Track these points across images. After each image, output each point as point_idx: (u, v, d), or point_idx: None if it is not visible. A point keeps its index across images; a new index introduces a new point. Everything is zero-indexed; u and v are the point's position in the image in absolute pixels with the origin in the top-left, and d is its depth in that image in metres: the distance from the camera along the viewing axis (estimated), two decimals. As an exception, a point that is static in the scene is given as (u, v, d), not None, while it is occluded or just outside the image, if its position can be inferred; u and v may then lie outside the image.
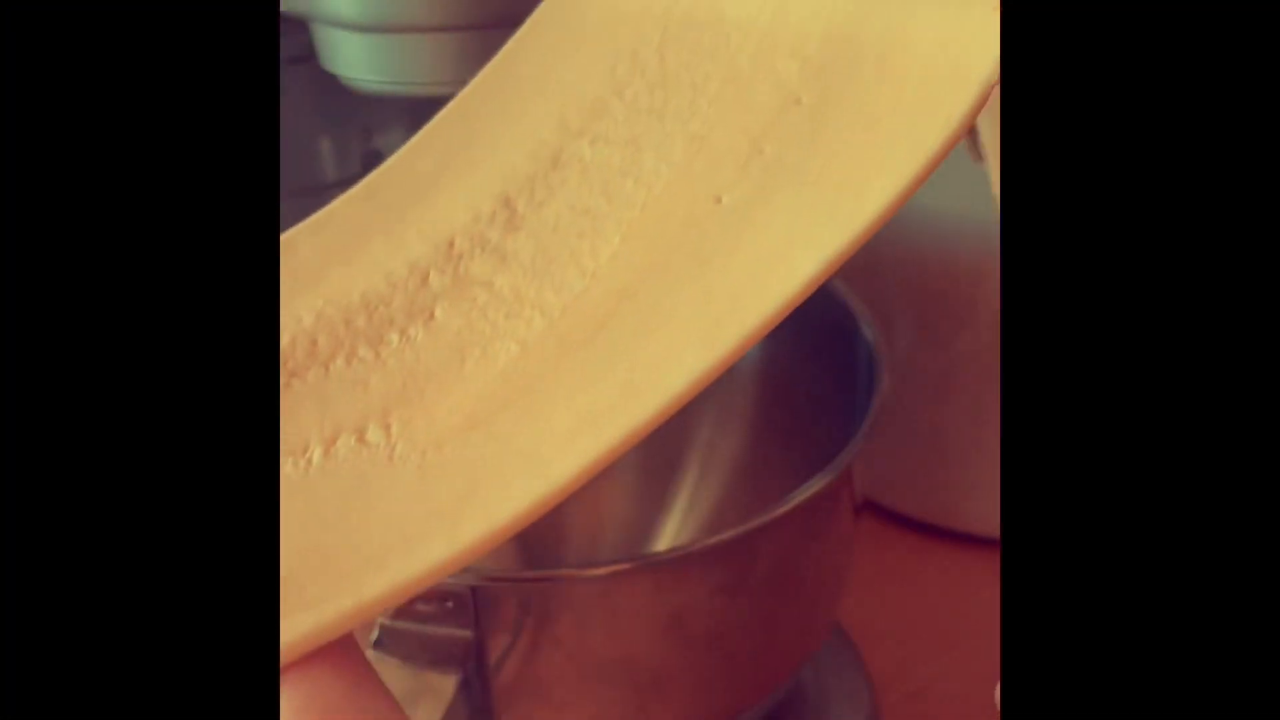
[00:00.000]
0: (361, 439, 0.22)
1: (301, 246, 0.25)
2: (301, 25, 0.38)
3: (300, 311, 0.24)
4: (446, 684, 0.32)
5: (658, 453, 0.50)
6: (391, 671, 0.32)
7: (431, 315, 0.23)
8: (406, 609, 0.33)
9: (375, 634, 0.33)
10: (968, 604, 0.52)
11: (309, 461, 0.22)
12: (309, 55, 0.42)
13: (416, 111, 0.54)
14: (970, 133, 0.27)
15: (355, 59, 0.36)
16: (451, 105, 0.27)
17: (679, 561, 0.34)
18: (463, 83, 0.35)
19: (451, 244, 0.24)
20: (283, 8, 0.37)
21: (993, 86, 0.19)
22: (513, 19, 0.34)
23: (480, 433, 0.21)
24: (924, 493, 0.56)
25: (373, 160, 0.54)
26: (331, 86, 0.40)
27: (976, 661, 0.40)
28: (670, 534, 0.50)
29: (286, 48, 0.48)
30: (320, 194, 0.53)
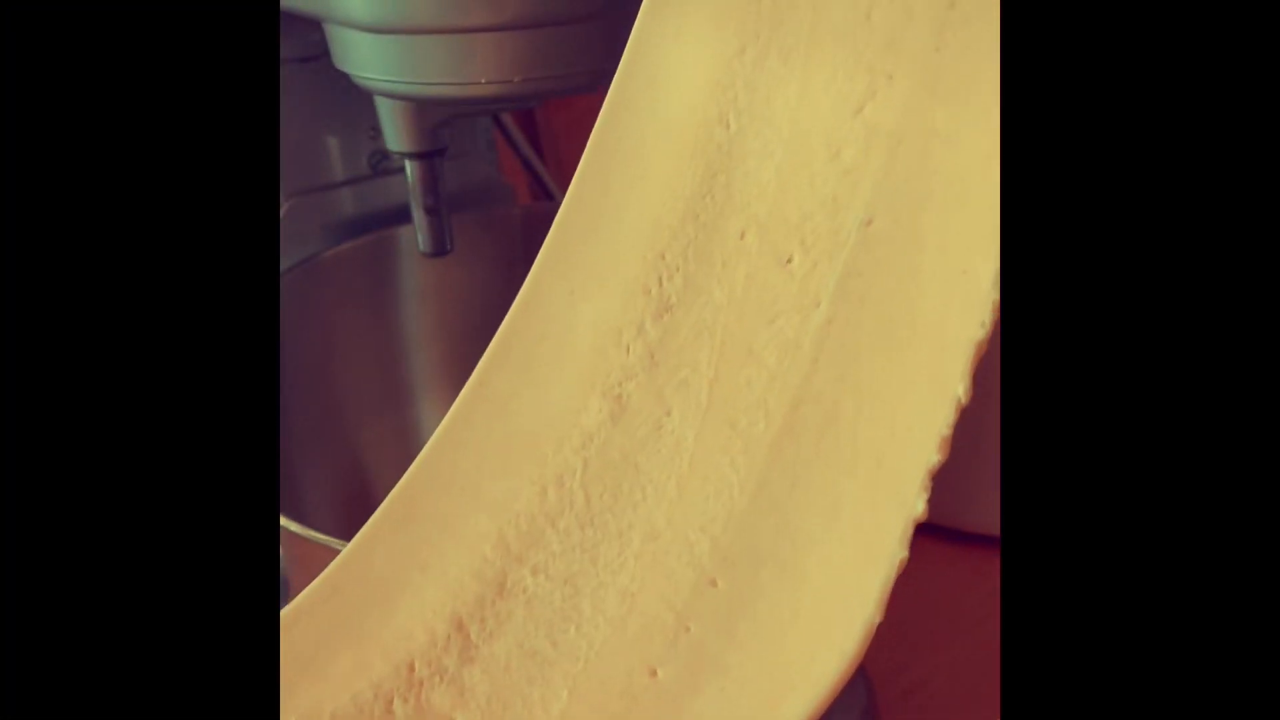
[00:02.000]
0: None
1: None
2: (313, 24, 0.39)
3: None
4: None
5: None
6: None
7: None
8: None
9: None
10: (966, 601, 0.52)
11: None
12: (320, 54, 0.42)
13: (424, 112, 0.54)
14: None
15: (367, 59, 0.37)
16: (395, 494, 0.28)
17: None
18: (473, 84, 0.36)
19: (412, 668, 0.25)
20: (295, 6, 0.38)
21: (876, 625, 0.21)
22: (523, 21, 0.34)
23: None
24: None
25: (379, 160, 0.54)
26: (341, 86, 0.41)
27: (975, 659, 0.40)
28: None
29: (298, 47, 0.48)
30: (328, 192, 0.53)
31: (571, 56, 0.35)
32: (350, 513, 0.52)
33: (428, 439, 0.56)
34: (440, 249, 0.46)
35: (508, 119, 0.62)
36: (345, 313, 0.52)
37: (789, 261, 0.23)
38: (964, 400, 0.20)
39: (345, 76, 0.39)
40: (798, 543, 0.22)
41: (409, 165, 0.43)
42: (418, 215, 0.45)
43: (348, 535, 0.33)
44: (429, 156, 0.43)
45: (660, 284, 0.25)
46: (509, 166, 0.67)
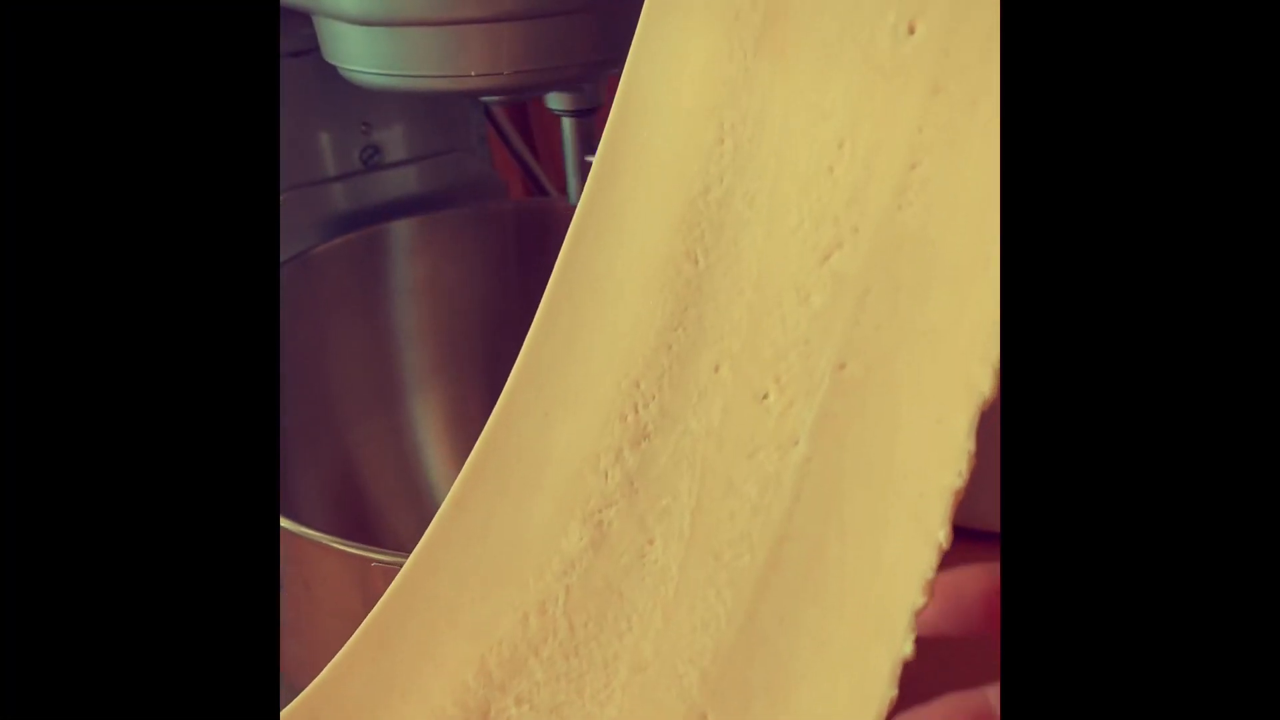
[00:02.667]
0: None
1: None
2: (304, 18, 0.38)
3: None
4: None
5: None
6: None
7: None
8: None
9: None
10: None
11: None
12: (310, 49, 0.42)
13: (415, 106, 0.54)
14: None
15: (357, 52, 0.36)
16: (372, 617, 0.27)
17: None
18: (463, 77, 0.35)
19: None
20: (286, 1, 0.38)
21: None
22: (512, 14, 0.34)
23: None
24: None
25: (371, 156, 0.54)
26: (332, 81, 0.40)
27: (973, 657, 0.40)
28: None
29: (289, 41, 0.48)
30: (320, 187, 0.53)
31: (561, 50, 0.35)
32: (341, 510, 0.52)
33: (419, 436, 0.56)
34: None
35: (500, 114, 0.62)
36: (337, 309, 0.52)
37: (765, 398, 0.23)
38: (945, 545, 0.20)
39: (336, 71, 0.39)
40: (789, 677, 0.22)
41: (566, 122, 0.42)
42: (574, 171, 0.44)
43: (339, 533, 0.33)
44: (587, 114, 0.42)
45: (636, 411, 0.24)
46: (502, 162, 0.66)
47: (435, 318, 0.55)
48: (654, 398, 0.24)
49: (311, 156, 0.53)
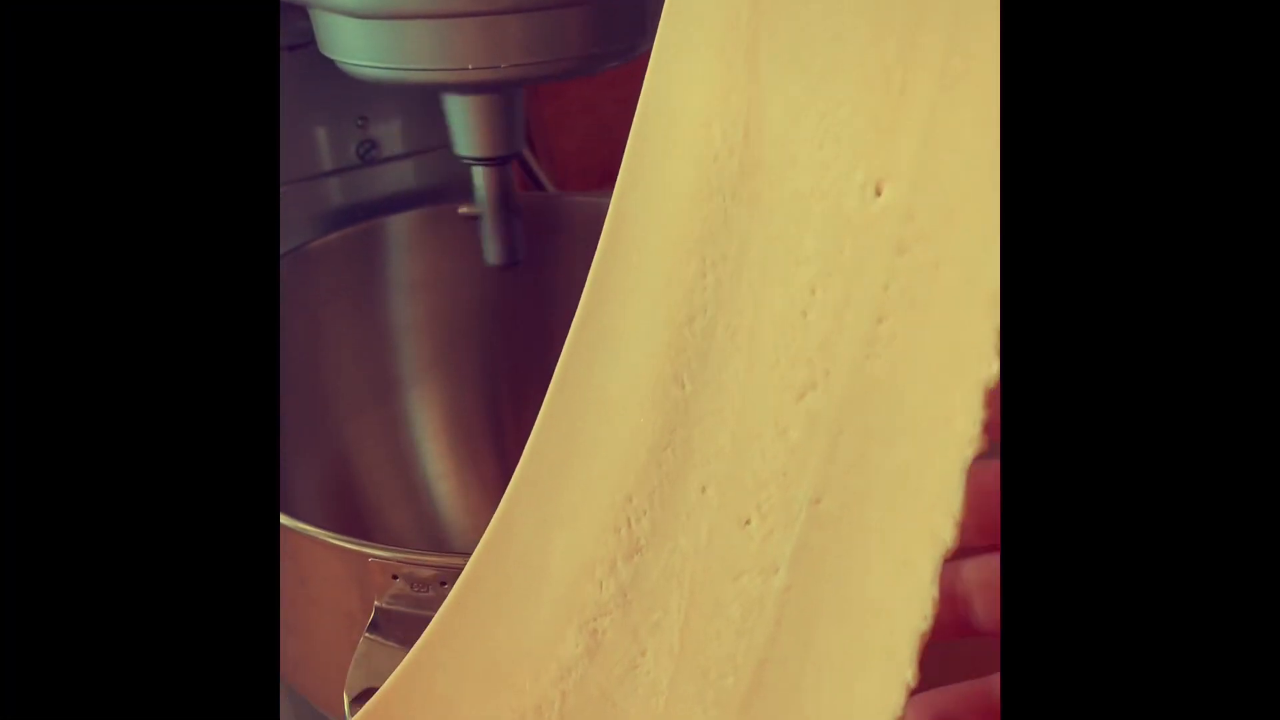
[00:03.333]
0: None
1: None
2: (300, 11, 0.38)
3: None
4: (442, 666, 0.32)
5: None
6: (388, 653, 0.32)
7: None
8: (403, 593, 0.33)
9: (372, 616, 0.33)
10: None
11: None
12: (306, 42, 0.42)
13: (412, 101, 0.54)
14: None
15: (354, 45, 0.36)
16: (366, 712, 0.28)
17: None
18: (460, 70, 0.35)
19: None
20: (281, -6, 0.37)
21: None
22: (509, 7, 0.34)
23: None
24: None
25: (368, 150, 0.54)
26: (328, 75, 0.40)
27: (972, 655, 0.40)
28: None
29: (285, 35, 0.48)
30: (316, 182, 0.53)
31: (558, 42, 0.35)
32: (337, 505, 0.52)
33: (416, 431, 0.56)
34: (511, 259, 0.43)
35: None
36: (333, 304, 0.52)
37: (748, 523, 0.23)
38: (912, 684, 0.20)
39: (333, 65, 0.39)
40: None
41: (479, 172, 0.40)
42: (489, 225, 0.42)
43: (334, 528, 0.33)
44: (502, 162, 0.40)
45: (629, 525, 0.25)
46: (499, 157, 0.66)
47: (431, 313, 0.55)
48: (646, 513, 0.25)
49: (308, 151, 0.53)
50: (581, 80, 0.38)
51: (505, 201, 0.41)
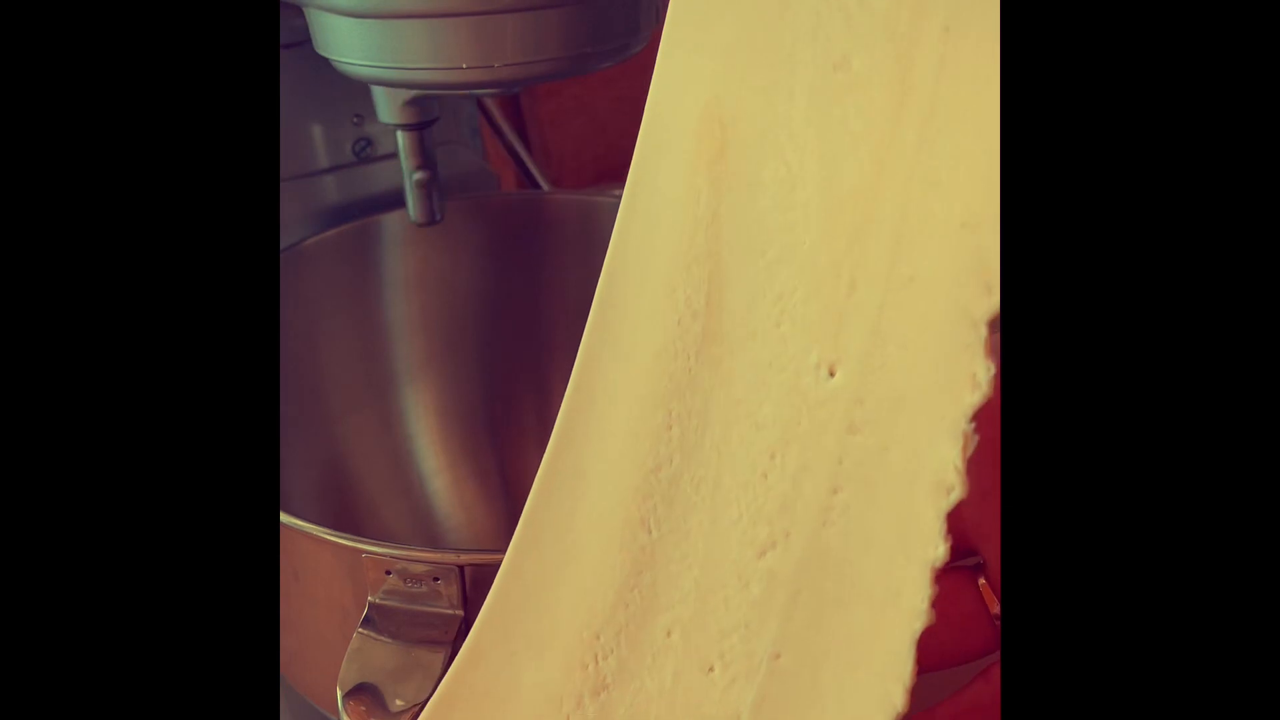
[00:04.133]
0: None
1: None
2: (295, 10, 0.38)
3: None
4: (435, 660, 0.32)
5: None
6: (381, 649, 0.32)
7: None
8: (396, 588, 0.33)
9: (365, 612, 0.33)
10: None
11: None
12: (302, 41, 0.42)
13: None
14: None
15: (349, 44, 0.36)
16: None
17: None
18: (455, 69, 0.35)
19: None
20: (277, -7, 0.38)
21: None
22: (504, 6, 0.34)
23: None
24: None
25: (363, 147, 0.54)
26: (324, 73, 0.40)
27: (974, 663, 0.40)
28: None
29: (281, 33, 0.48)
30: (312, 179, 0.53)
31: (553, 42, 0.35)
32: (332, 501, 0.52)
33: (410, 428, 0.56)
34: (430, 218, 0.47)
35: (493, 107, 0.62)
36: (328, 300, 0.52)
37: (711, 670, 0.24)
38: None
39: (329, 63, 0.39)
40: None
41: (400, 135, 0.44)
42: (409, 185, 0.45)
43: (329, 524, 0.33)
44: (420, 127, 0.43)
45: (596, 662, 0.26)
46: (495, 154, 0.66)
47: (427, 310, 0.55)
48: (613, 651, 0.25)
49: (304, 148, 0.53)
50: (576, 79, 0.38)
51: (427, 164, 0.45)
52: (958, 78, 0.19)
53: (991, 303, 0.19)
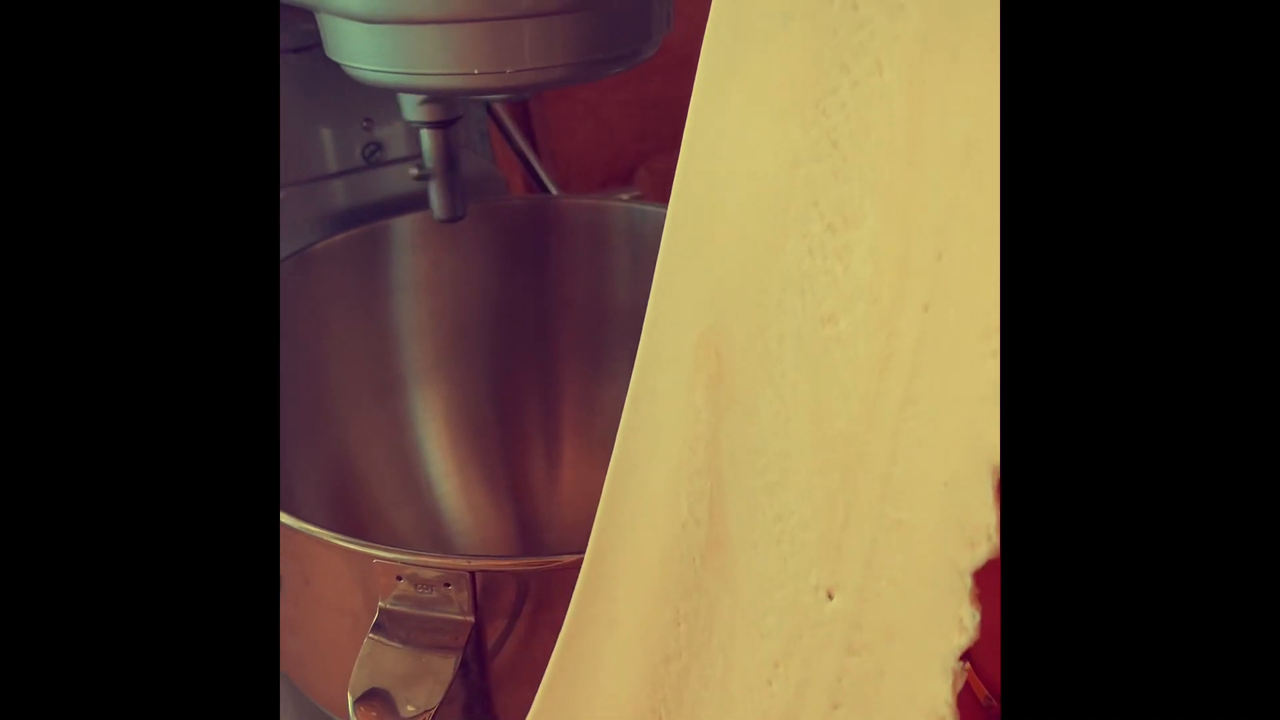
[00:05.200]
0: None
1: None
2: (306, 15, 0.39)
3: None
4: (445, 666, 0.32)
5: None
6: (392, 654, 0.32)
7: None
8: (407, 593, 0.33)
9: (376, 617, 0.33)
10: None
11: None
12: (312, 45, 0.42)
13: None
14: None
15: (360, 50, 0.36)
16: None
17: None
18: (466, 75, 0.36)
19: None
20: (288, -2, 0.38)
21: None
22: (515, 13, 0.34)
23: None
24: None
25: (373, 152, 0.54)
26: (334, 77, 0.40)
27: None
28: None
29: (291, 38, 0.48)
30: (321, 183, 0.53)
31: (565, 48, 0.35)
32: (341, 505, 0.52)
33: (419, 432, 0.56)
34: (453, 215, 0.47)
35: (502, 111, 0.62)
36: (337, 305, 0.52)
37: None
38: None
39: (339, 68, 0.39)
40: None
41: (424, 134, 0.44)
42: (434, 182, 0.46)
43: (338, 528, 0.34)
44: (444, 125, 0.44)
45: None
46: (504, 159, 0.67)
47: (436, 314, 0.55)
48: None
49: (313, 153, 0.53)
50: (585, 84, 0.38)
51: (450, 162, 0.45)
52: (938, 350, 0.20)
53: (976, 556, 0.20)
